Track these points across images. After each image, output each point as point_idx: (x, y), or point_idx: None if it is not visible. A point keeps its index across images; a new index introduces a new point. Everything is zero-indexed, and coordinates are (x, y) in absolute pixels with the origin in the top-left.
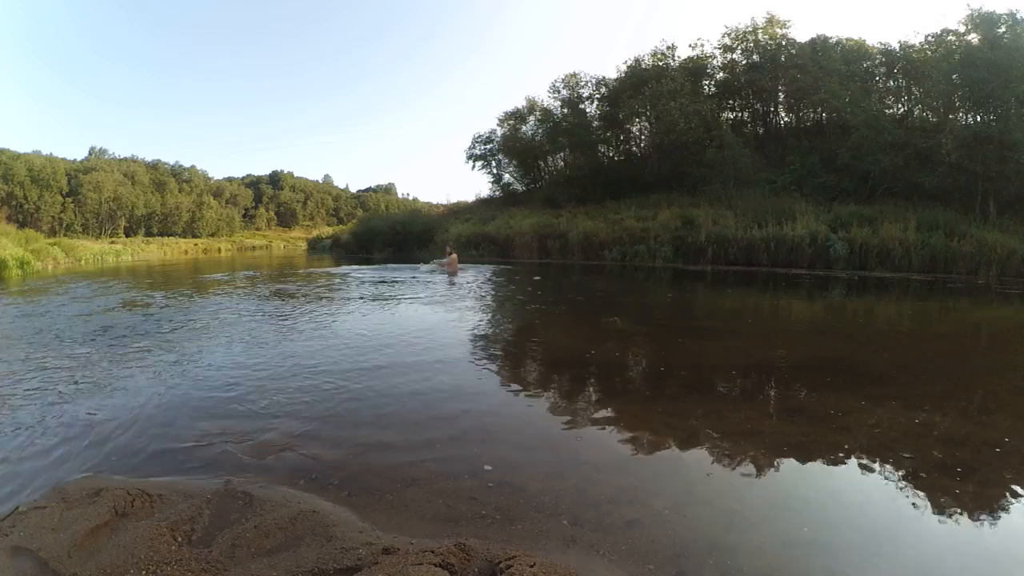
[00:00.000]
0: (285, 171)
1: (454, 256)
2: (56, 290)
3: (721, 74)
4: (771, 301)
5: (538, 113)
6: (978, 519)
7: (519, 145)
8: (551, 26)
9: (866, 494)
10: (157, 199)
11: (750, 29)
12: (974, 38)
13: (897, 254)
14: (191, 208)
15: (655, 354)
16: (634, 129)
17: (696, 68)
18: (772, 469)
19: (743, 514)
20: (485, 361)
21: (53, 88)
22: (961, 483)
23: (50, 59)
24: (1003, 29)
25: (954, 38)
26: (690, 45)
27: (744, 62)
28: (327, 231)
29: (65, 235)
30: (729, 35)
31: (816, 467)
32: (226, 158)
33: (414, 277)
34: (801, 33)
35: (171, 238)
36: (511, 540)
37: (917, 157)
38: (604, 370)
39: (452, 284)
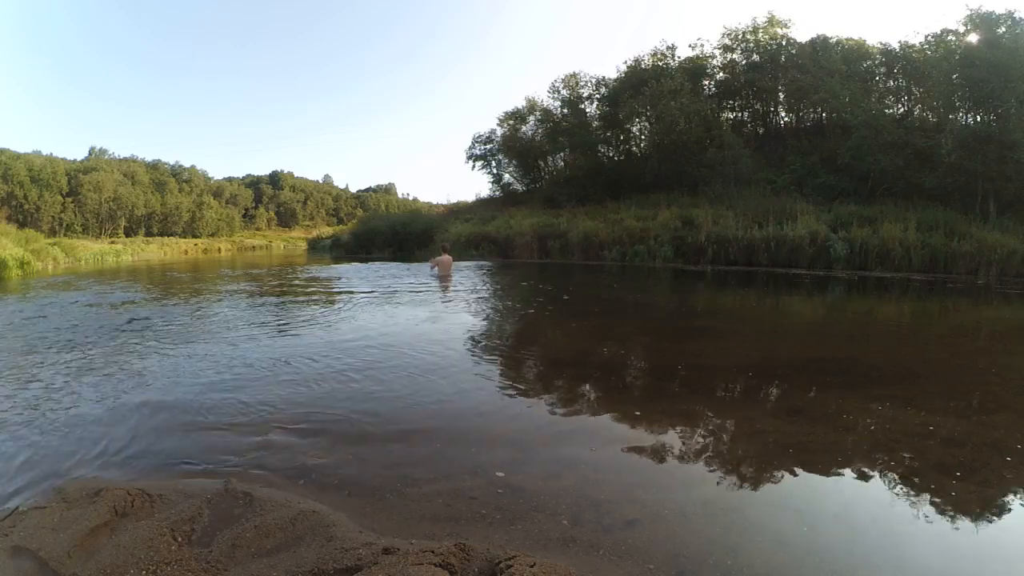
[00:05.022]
0: (285, 171)
1: (446, 257)
2: (56, 290)
3: (721, 74)
4: (771, 301)
5: (538, 113)
6: (978, 519)
7: (519, 145)
8: (551, 26)
9: (866, 494)
10: (157, 199)
11: (750, 29)
12: (974, 38)
13: (897, 254)
14: (191, 208)
15: (655, 354)
16: (634, 129)
17: (696, 68)
18: (772, 469)
19: (743, 514)
20: (484, 361)
21: (53, 88)
22: (961, 483)
23: (50, 59)
24: (1003, 29)
25: (954, 38)
26: (690, 45)
27: (744, 62)
28: (327, 231)
29: (65, 235)
30: (729, 35)
31: (816, 467)
32: (226, 158)
33: (411, 278)
34: (801, 33)
35: (171, 238)
36: (511, 540)
37: (917, 157)
38: (604, 370)
39: (446, 286)
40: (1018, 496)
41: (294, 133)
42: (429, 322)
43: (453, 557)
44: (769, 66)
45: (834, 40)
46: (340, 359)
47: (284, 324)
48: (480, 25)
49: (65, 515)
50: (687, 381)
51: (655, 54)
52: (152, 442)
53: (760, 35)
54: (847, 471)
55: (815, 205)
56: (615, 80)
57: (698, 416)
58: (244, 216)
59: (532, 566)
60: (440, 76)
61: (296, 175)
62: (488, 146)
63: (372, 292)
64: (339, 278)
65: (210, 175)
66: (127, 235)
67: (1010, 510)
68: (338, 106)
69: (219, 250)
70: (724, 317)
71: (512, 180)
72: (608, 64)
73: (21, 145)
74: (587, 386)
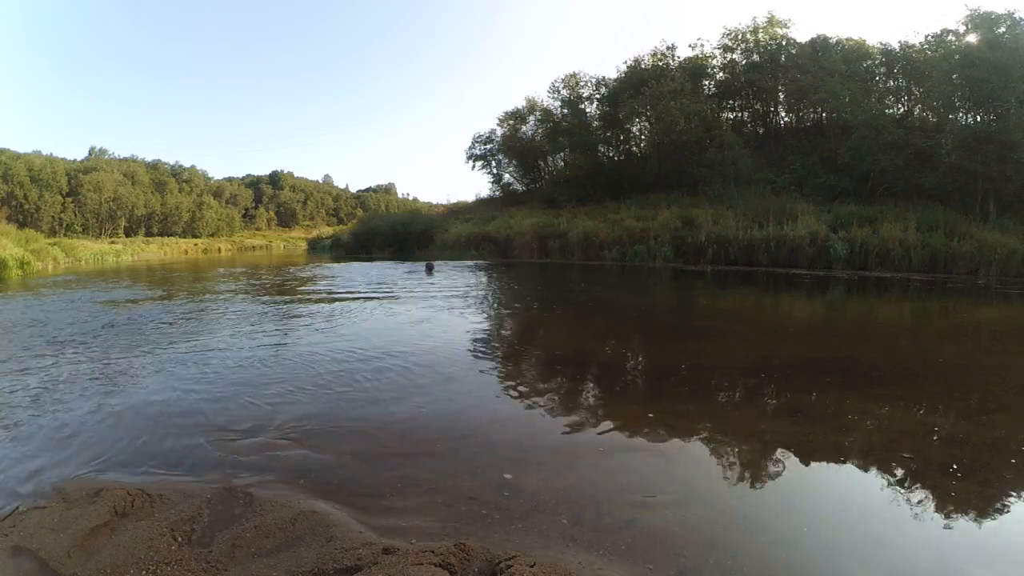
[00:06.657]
0: (285, 171)
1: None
2: (56, 290)
3: (721, 74)
4: (771, 301)
5: (538, 113)
6: (978, 519)
7: (519, 145)
8: (551, 26)
9: (866, 494)
10: (157, 199)
11: (750, 29)
12: (974, 38)
13: (897, 254)
14: (191, 208)
15: (656, 354)
16: (634, 129)
17: (696, 68)
18: (772, 469)
19: (743, 514)
20: (484, 362)
21: (53, 88)
22: (961, 483)
23: (50, 59)
24: (1003, 29)
25: (954, 38)
26: (690, 45)
27: (744, 62)
28: (327, 231)
29: (65, 235)
30: (729, 35)
31: (816, 467)
32: (226, 158)
33: (410, 278)
34: (801, 33)
35: (171, 238)
36: (511, 540)
37: (917, 157)
38: (604, 370)
39: (432, 280)
40: (1018, 496)
41: (294, 133)
42: (430, 321)
43: (453, 557)
44: (769, 66)
45: (834, 40)
46: (340, 359)
47: (284, 324)
48: (480, 25)
49: (65, 515)
50: (687, 381)
51: (655, 54)
52: (152, 442)
53: (760, 35)
54: (847, 471)
55: (815, 205)
56: (615, 80)
57: (698, 416)
58: (244, 216)
59: (532, 566)
60: (440, 76)
61: (296, 175)
62: (488, 146)
63: (371, 292)
64: (338, 278)
65: (210, 175)
66: (127, 235)
67: (1010, 510)
68: (338, 106)
69: (219, 250)
70: (724, 317)
71: (512, 180)
72: (608, 64)
73: (21, 145)
74: (588, 386)
